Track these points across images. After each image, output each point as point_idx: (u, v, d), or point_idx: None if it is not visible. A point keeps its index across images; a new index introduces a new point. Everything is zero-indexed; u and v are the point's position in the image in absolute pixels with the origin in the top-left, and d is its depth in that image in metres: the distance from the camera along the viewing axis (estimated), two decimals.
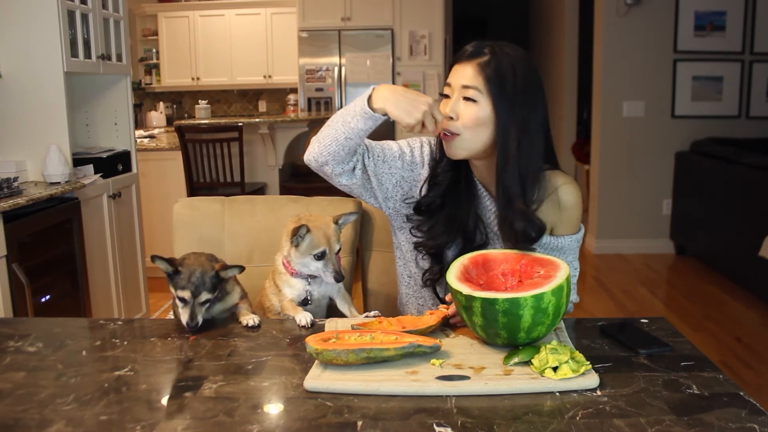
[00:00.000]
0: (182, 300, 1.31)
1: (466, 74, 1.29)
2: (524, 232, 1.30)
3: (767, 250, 3.52)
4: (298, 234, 1.38)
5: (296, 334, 1.29)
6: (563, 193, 1.37)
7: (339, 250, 1.43)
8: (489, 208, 1.41)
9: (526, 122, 1.28)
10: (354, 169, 1.41)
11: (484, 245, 1.40)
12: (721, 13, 4.73)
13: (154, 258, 1.32)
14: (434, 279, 1.44)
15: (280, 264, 1.46)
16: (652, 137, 4.88)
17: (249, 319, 1.35)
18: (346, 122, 1.34)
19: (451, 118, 1.30)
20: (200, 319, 1.30)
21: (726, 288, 4.16)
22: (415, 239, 1.46)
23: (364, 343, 1.09)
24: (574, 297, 1.45)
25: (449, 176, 1.40)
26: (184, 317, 1.30)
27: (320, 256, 1.39)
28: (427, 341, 1.13)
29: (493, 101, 1.28)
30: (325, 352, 1.08)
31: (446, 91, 1.34)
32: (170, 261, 1.33)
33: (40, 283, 2.52)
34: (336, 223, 1.43)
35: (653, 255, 4.93)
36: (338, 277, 1.39)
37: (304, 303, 1.45)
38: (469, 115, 1.29)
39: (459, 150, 1.32)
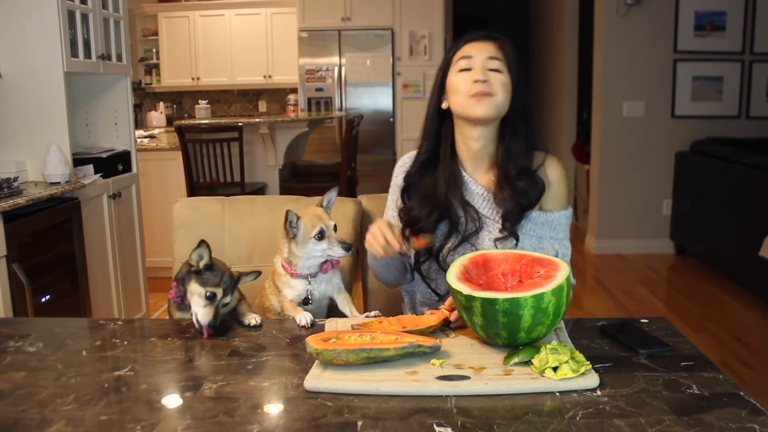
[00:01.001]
0: (211, 297, 1.27)
1: (488, 49, 1.41)
2: (524, 191, 1.39)
3: (767, 250, 3.52)
4: (289, 223, 1.40)
5: (296, 334, 1.29)
6: (549, 168, 1.46)
7: (335, 228, 1.43)
8: (477, 192, 1.46)
9: (527, 99, 1.45)
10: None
11: (477, 232, 1.44)
12: (721, 13, 4.72)
13: (203, 243, 1.29)
14: (420, 261, 1.48)
15: (280, 266, 1.46)
16: (652, 137, 4.88)
17: (251, 318, 1.35)
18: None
19: (485, 81, 1.38)
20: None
21: (726, 288, 4.16)
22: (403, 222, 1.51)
23: (364, 343, 1.09)
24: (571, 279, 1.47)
25: (430, 152, 1.49)
26: (207, 317, 1.26)
27: (320, 236, 1.40)
28: (427, 341, 1.13)
29: (511, 75, 1.41)
30: (325, 352, 1.08)
31: (465, 63, 1.41)
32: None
33: (40, 283, 2.52)
34: (321, 206, 1.45)
35: (653, 255, 4.92)
36: (346, 246, 1.40)
37: (305, 302, 1.45)
38: (500, 79, 1.40)
39: (491, 108, 1.39)
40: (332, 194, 1.47)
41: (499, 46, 1.41)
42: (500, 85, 1.39)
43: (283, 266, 1.45)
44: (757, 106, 4.86)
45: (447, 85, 1.44)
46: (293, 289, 1.45)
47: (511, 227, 1.40)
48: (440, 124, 1.48)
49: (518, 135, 1.42)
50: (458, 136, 1.47)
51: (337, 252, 1.41)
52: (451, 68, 1.43)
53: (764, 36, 4.75)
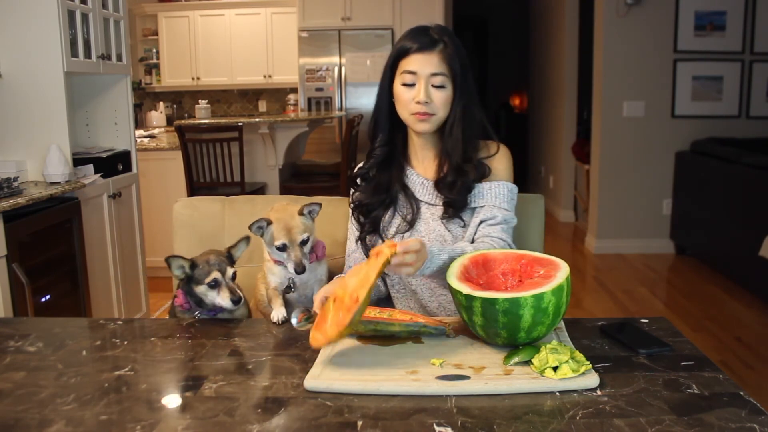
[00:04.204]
0: (213, 284, 1.35)
1: (432, 63, 1.42)
2: (463, 183, 1.45)
3: (767, 250, 3.52)
4: (256, 226, 1.41)
5: (296, 333, 1.30)
6: (497, 159, 1.52)
7: (307, 241, 1.43)
8: (417, 181, 1.53)
9: (471, 92, 1.46)
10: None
11: (413, 219, 1.49)
12: (721, 13, 4.72)
13: (173, 258, 1.35)
14: (363, 235, 1.53)
15: (266, 252, 1.47)
16: (652, 137, 4.88)
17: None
18: None
19: (427, 102, 1.42)
20: (240, 294, 1.37)
21: (726, 288, 4.16)
22: (353, 205, 1.56)
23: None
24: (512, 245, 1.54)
25: (385, 150, 1.54)
26: (226, 296, 1.35)
27: (281, 248, 1.41)
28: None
29: (454, 83, 1.44)
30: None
31: (408, 79, 1.43)
32: (186, 259, 1.38)
33: (40, 283, 2.52)
34: (301, 213, 1.44)
35: (653, 255, 4.92)
36: (298, 269, 1.40)
37: (288, 290, 1.46)
38: (442, 98, 1.44)
39: (432, 126, 1.47)
40: (314, 206, 1.46)
41: (444, 57, 1.42)
42: (442, 103, 1.43)
43: (268, 252, 1.46)
44: (757, 106, 4.86)
45: (394, 89, 1.47)
46: (276, 276, 1.46)
47: (454, 212, 1.46)
48: (393, 115, 1.51)
49: (453, 134, 1.45)
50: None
51: (290, 269, 1.42)
52: (396, 75, 1.46)
53: (764, 36, 4.75)
